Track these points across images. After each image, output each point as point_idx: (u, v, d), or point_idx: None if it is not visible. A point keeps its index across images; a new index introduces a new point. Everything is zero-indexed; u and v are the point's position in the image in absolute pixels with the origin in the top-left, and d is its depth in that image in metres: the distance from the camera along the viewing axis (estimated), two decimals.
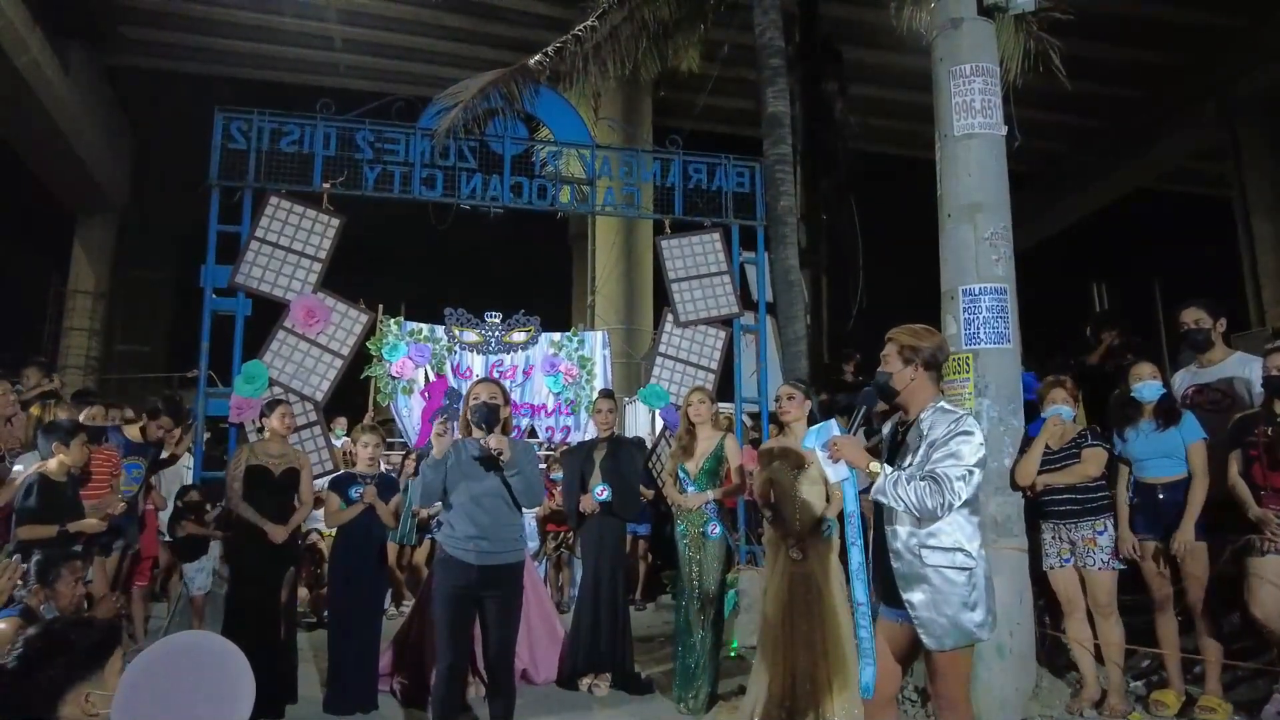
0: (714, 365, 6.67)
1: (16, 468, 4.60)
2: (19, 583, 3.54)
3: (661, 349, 6.73)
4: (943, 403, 2.72)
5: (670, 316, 6.75)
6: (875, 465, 2.64)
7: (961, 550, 2.59)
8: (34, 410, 5.26)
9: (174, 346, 19.04)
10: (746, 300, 6.96)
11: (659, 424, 6.78)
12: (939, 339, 2.80)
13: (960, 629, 2.57)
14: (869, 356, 6.02)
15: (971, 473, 2.55)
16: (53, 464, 4.34)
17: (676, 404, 6.18)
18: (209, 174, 5.92)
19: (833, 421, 2.79)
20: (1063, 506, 4.16)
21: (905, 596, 2.62)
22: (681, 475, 4.65)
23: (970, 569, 2.59)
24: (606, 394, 5.43)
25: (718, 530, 4.53)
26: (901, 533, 2.65)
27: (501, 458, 3.40)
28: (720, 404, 5.35)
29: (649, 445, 6.43)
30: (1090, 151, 19.22)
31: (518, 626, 3.65)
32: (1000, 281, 4.33)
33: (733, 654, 5.21)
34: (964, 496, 2.53)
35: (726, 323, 6.78)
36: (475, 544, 3.42)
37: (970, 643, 2.62)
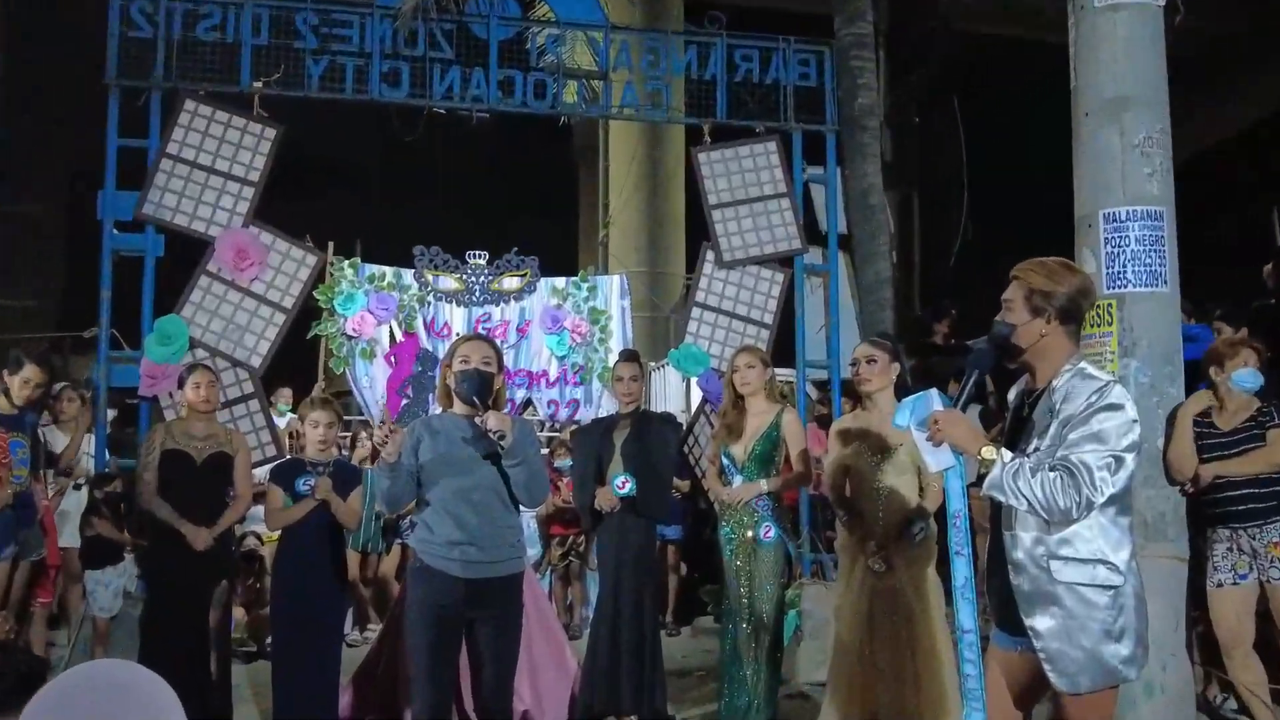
0: (768, 319, 6.68)
1: None
2: None
3: (699, 298, 6.74)
4: (1084, 365, 2.68)
5: (711, 255, 6.74)
6: (990, 450, 2.61)
7: (1104, 563, 2.57)
8: None
9: (67, 299, 19.19)
10: (812, 233, 6.90)
11: (696, 396, 6.77)
12: (1082, 279, 2.75)
13: (1101, 665, 2.56)
14: (977, 312, 5.92)
15: (1119, 460, 2.51)
16: None
17: (719, 369, 6.16)
18: (105, 71, 5.91)
19: (933, 392, 2.77)
20: (1241, 505, 4.13)
21: (1028, 621, 2.61)
22: (725, 462, 4.66)
23: (1116, 587, 2.57)
24: (629, 356, 5.40)
25: (773, 533, 4.53)
26: (1025, 539, 2.64)
27: (503, 442, 3.38)
28: (777, 370, 5.32)
29: (683, 424, 6.42)
30: (1273, 30, 18.68)
31: (516, 656, 3.69)
32: (1155, 203, 4.23)
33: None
34: (1109, 492, 2.50)
35: (785, 262, 6.77)
36: (461, 551, 3.43)
37: (1114, 683, 2.61)
